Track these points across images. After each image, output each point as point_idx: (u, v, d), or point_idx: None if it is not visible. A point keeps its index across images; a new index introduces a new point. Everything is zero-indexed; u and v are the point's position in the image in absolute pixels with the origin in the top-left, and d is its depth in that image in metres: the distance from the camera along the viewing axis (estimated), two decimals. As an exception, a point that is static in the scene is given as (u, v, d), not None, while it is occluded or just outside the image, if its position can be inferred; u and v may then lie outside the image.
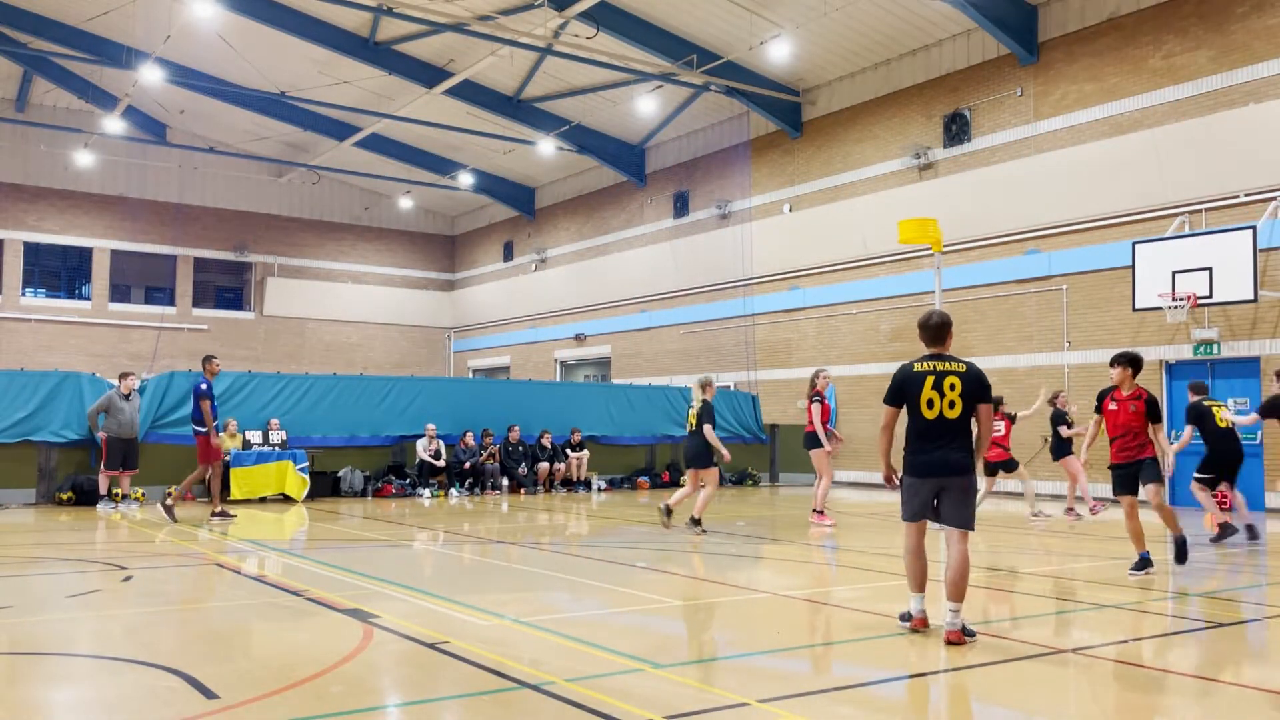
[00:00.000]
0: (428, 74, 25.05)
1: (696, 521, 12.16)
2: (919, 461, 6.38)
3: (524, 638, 6.34)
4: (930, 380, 6.32)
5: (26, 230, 31.05)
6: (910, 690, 5.43)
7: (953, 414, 6.30)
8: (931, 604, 6.54)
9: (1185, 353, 17.18)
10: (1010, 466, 14.20)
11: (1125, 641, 6.54)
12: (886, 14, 20.47)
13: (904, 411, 6.50)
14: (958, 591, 6.19)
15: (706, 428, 12.18)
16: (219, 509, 13.83)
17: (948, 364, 6.40)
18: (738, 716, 4.68)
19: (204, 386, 13.71)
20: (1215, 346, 16.78)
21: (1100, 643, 6.47)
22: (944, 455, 6.31)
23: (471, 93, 26.01)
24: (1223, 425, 11.47)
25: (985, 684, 5.53)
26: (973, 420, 6.44)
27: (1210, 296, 15.96)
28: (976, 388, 6.36)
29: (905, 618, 6.49)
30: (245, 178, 34.16)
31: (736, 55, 22.46)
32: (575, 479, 20.20)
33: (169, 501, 13.56)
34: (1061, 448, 14.50)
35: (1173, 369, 17.47)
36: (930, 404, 6.30)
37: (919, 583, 6.42)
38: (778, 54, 21.99)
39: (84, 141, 29.64)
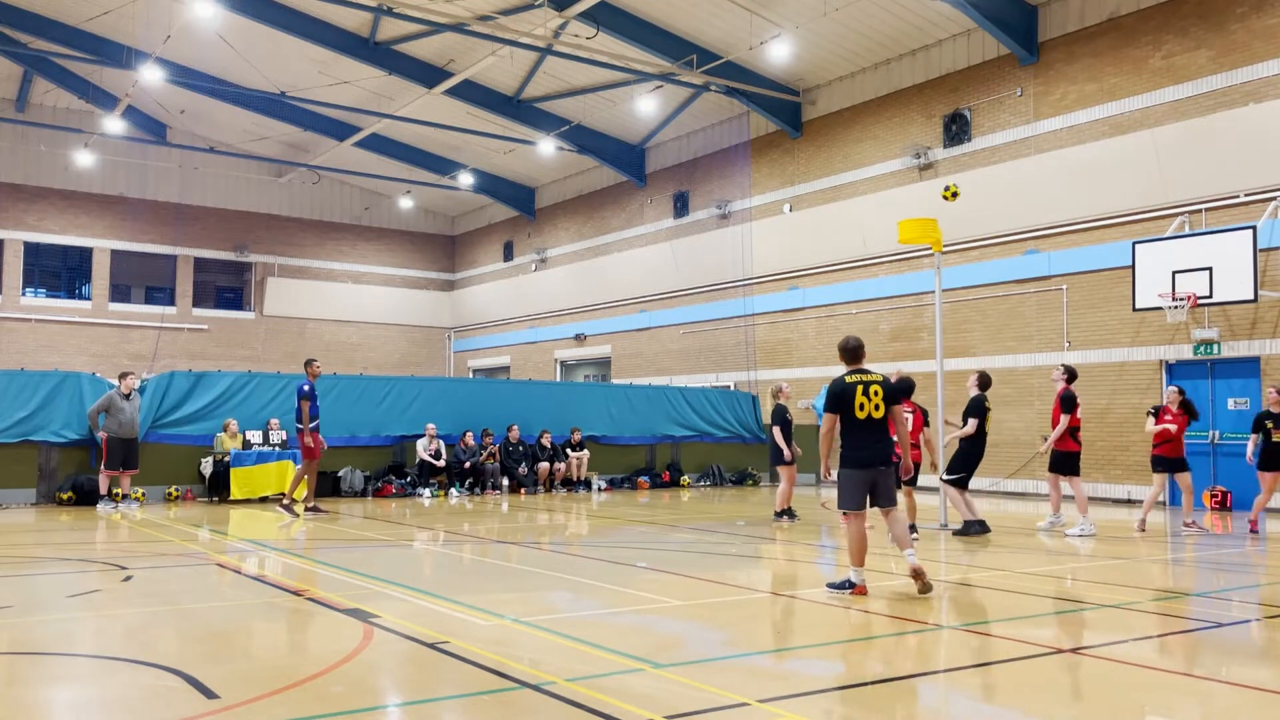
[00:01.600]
0: (428, 74, 25.05)
1: (782, 513, 13.64)
2: (860, 456, 7.91)
3: (524, 638, 6.35)
4: (860, 389, 7.93)
5: (27, 230, 31.05)
6: (910, 690, 5.43)
7: (878, 415, 7.93)
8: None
9: (1185, 353, 17.17)
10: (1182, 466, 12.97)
11: (1124, 641, 6.55)
12: (886, 14, 20.47)
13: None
14: (905, 541, 7.94)
15: (775, 430, 13.52)
16: (312, 504, 14.36)
17: (869, 375, 8.05)
18: (738, 716, 4.68)
19: (306, 388, 14.34)
20: (1215, 346, 16.77)
21: (1100, 643, 6.47)
22: (878, 449, 7.91)
23: (471, 93, 26.01)
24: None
25: (985, 684, 5.53)
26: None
27: (1210, 296, 15.95)
28: (891, 393, 8.04)
29: (847, 585, 7.84)
30: (245, 178, 34.16)
31: (736, 55, 22.46)
32: (575, 479, 20.19)
33: (285, 502, 14.31)
34: (1272, 457, 12.56)
35: (1173, 369, 17.47)
36: (861, 407, 7.89)
37: (861, 558, 7.90)
38: (778, 54, 21.99)
39: (84, 141, 29.63)
